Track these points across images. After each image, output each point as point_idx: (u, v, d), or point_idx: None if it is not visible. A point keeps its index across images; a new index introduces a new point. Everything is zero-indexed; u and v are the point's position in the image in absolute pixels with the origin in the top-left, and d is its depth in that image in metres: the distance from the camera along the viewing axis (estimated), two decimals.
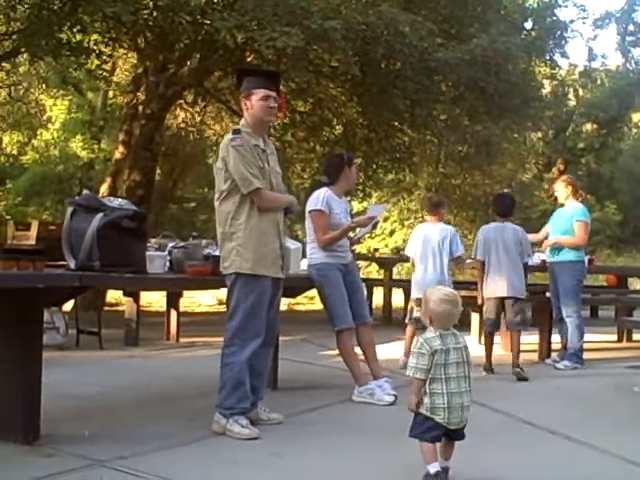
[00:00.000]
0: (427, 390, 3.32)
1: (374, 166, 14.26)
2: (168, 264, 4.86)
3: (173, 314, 8.62)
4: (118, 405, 5.08)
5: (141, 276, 4.34)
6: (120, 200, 4.45)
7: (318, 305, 5.68)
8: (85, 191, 4.88)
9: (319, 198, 5.44)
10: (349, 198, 8.79)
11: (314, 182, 6.60)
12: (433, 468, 3.30)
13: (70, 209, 4.18)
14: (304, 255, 5.53)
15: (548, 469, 3.76)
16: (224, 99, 13.60)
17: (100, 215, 4.10)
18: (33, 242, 6.91)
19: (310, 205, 5.47)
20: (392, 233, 21.55)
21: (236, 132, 4.39)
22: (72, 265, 4.04)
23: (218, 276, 4.45)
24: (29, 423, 3.84)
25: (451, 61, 10.26)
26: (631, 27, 28.51)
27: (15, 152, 19.58)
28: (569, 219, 7.10)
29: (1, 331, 3.88)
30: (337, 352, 5.54)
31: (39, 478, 3.34)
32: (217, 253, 4.53)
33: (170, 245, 5.04)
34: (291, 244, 4.53)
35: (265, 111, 4.45)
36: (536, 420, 4.70)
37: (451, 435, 3.37)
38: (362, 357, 5.55)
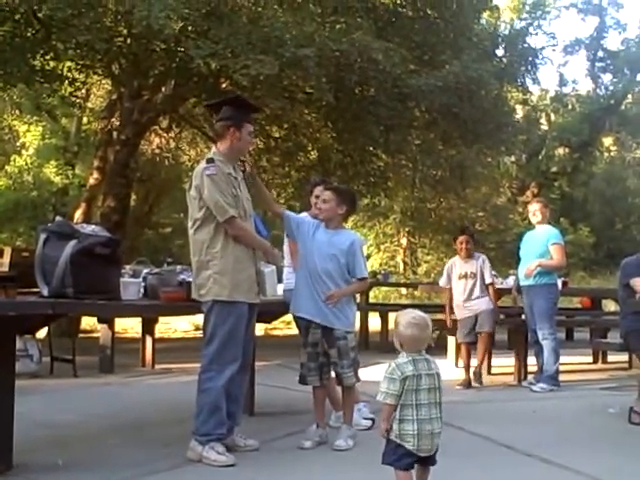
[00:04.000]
0: (397, 416, 3.27)
1: None
2: (142, 290, 4.84)
3: (148, 340, 8.55)
4: (93, 433, 5.02)
5: (115, 303, 4.30)
6: (93, 226, 4.43)
7: (295, 330, 5.65)
8: (58, 217, 4.84)
9: None
10: None
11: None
12: None
13: (43, 236, 4.15)
14: (280, 280, 5.52)
15: None
16: (199, 125, 13.62)
17: (73, 242, 4.07)
18: (6, 269, 6.84)
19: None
20: (368, 257, 21.59)
21: (210, 161, 4.41)
22: (45, 292, 4.00)
23: (192, 302, 4.43)
24: (1, 452, 3.78)
25: (424, 87, 10.35)
26: (600, 53, 29.04)
27: None
28: (544, 242, 7.15)
29: None
30: None
31: None
32: (191, 279, 4.52)
33: (144, 271, 5.01)
34: (264, 267, 4.55)
35: (249, 145, 4.74)
36: (512, 442, 4.71)
37: (423, 461, 3.34)
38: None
